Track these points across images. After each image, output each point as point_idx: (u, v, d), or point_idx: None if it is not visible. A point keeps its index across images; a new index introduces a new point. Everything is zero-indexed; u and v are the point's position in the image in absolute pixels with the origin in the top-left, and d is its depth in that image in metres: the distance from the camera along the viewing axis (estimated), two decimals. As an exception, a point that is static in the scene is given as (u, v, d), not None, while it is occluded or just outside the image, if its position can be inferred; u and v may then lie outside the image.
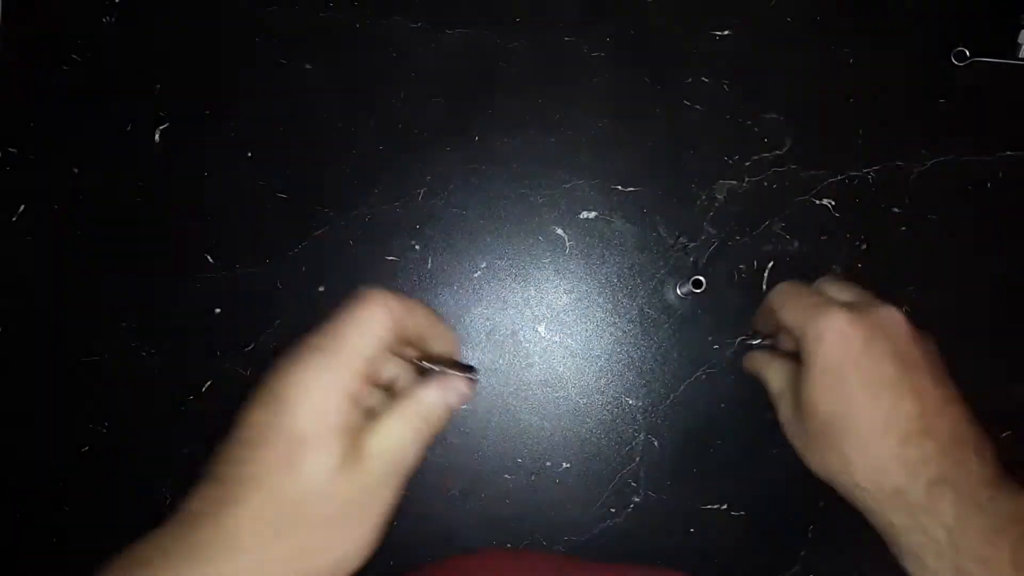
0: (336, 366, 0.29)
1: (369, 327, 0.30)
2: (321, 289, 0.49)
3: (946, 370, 0.38)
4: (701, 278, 0.47)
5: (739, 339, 0.49)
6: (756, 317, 0.45)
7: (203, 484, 0.28)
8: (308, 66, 0.50)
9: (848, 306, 0.38)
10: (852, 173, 0.49)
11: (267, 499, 0.27)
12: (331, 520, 0.29)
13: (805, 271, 0.49)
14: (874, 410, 0.36)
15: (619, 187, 0.50)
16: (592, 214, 0.50)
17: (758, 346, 0.45)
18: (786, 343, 0.43)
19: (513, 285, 0.49)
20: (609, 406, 0.49)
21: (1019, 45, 0.49)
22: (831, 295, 0.40)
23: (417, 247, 0.49)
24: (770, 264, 0.49)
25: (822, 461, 0.38)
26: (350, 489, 0.29)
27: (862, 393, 0.36)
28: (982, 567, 0.33)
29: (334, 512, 0.29)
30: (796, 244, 0.49)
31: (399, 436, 0.30)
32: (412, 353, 0.33)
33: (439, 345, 0.33)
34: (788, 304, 0.40)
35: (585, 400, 0.49)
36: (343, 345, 0.29)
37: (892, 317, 0.38)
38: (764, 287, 0.49)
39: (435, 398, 0.32)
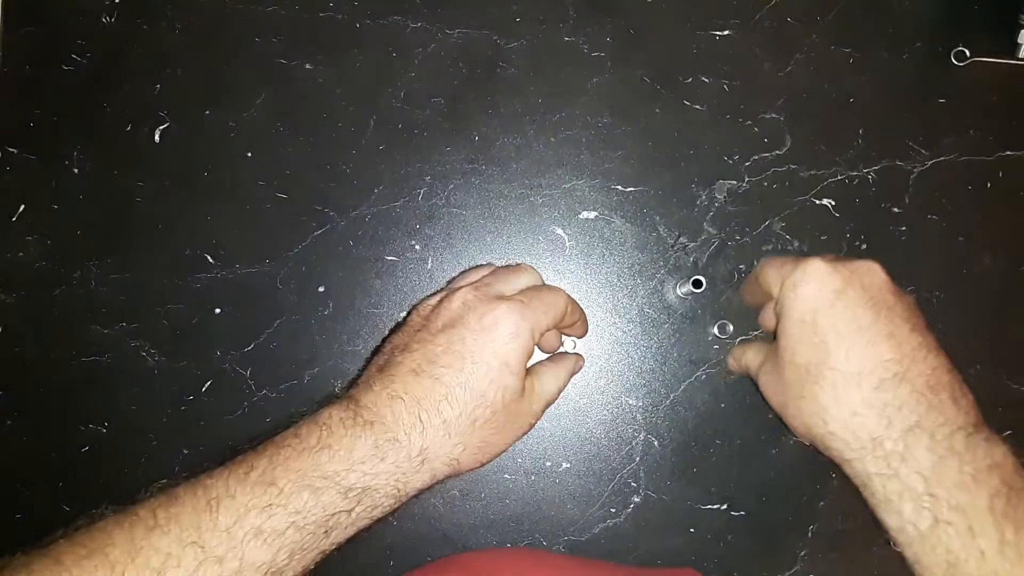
0: (533, 320, 0.39)
1: (558, 304, 0.41)
2: (321, 289, 0.49)
3: (925, 322, 0.37)
4: (701, 278, 0.47)
5: (738, 339, 0.49)
6: (744, 295, 0.46)
7: (420, 378, 0.37)
8: (308, 66, 0.50)
9: (827, 257, 0.38)
10: (852, 173, 0.49)
11: (473, 401, 0.37)
12: (505, 425, 0.39)
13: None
14: (849, 355, 0.36)
15: (619, 187, 0.50)
16: (592, 214, 0.50)
17: (729, 338, 0.48)
18: (768, 320, 0.43)
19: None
20: (609, 406, 0.49)
21: (1019, 45, 0.49)
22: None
23: (417, 247, 0.49)
24: (770, 264, 0.49)
25: (798, 412, 0.38)
26: (521, 408, 0.39)
27: (836, 339, 0.36)
28: (959, 515, 0.32)
29: (506, 420, 0.39)
30: (796, 244, 0.49)
31: (556, 384, 0.43)
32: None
33: (579, 328, 0.46)
34: (768, 267, 0.41)
35: (585, 400, 0.49)
36: (542, 309, 0.40)
37: (869, 267, 0.38)
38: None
39: (580, 364, 0.46)
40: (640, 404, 0.49)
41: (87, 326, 0.49)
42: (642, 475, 0.49)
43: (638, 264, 0.49)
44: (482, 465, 0.39)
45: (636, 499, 0.49)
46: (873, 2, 0.50)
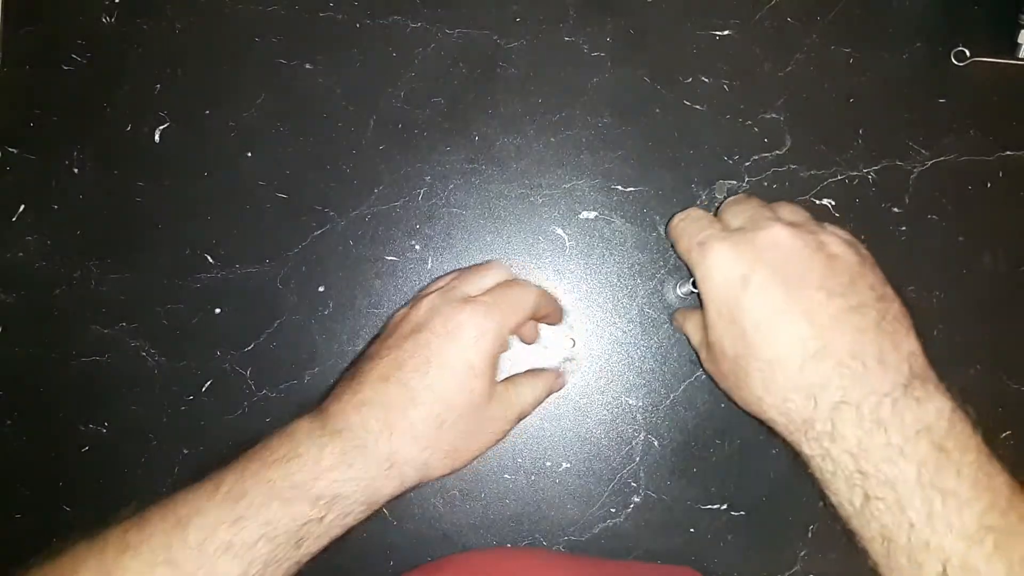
0: (499, 319, 0.39)
1: (526, 300, 0.41)
2: (321, 289, 0.49)
3: (857, 265, 0.36)
4: None
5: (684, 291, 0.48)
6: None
7: (388, 385, 0.37)
8: (308, 66, 0.50)
9: (729, 238, 0.37)
10: (852, 173, 0.49)
11: (439, 404, 0.37)
12: (474, 430, 0.39)
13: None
14: (769, 343, 0.35)
15: (619, 187, 0.50)
16: (592, 214, 0.50)
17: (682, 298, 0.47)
18: None
19: (513, 285, 0.49)
20: (609, 406, 0.49)
21: (1019, 45, 0.49)
22: (724, 222, 0.39)
23: (417, 247, 0.49)
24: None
25: (741, 401, 0.37)
26: (491, 413, 0.40)
27: (754, 329, 0.35)
28: (888, 489, 0.32)
29: (476, 424, 0.39)
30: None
31: (532, 395, 0.43)
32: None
33: (554, 317, 0.47)
34: (679, 241, 0.39)
35: (585, 400, 0.49)
36: (508, 307, 0.40)
37: (773, 238, 0.36)
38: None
39: (562, 381, 0.47)
40: (640, 404, 0.49)
41: (87, 326, 0.49)
42: (642, 475, 0.49)
43: (638, 264, 0.49)
44: (453, 471, 0.40)
45: (636, 499, 0.49)
46: (873, 2, 0.50)
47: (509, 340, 0.42)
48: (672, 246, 0.42)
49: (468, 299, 0.40)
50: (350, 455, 0.36)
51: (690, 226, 0.39)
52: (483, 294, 0.41)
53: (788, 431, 0.36)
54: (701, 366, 0.42)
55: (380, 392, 0.37)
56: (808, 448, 0.35)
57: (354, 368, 0.40)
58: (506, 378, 0.43)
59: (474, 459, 0.40)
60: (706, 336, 0.39)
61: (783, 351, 0.34)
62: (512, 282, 0.43)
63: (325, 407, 0.38)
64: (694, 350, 0.43)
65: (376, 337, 0.42)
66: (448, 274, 0.46)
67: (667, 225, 0.42)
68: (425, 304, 0.40)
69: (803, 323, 0.34)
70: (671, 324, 0.49)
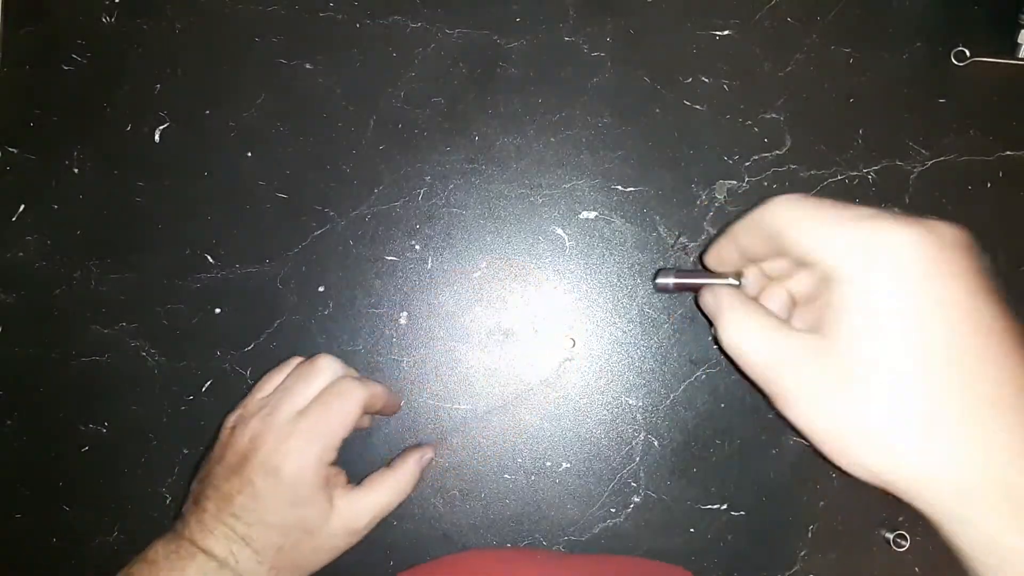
0: (322, 442, 0.41)
1: (350, 411, 0.41)
2: (321, 289, 0.49)
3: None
4: None
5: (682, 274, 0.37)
6: (720, 247, 0.34)
7: (223, 516, 0.40)
8: (308, 66, 0.50)
9: (903, 220, 0.27)
10: (852, 173, 0.49)
11: (273, 533, 0.40)
12: (317, 548, 0.42)
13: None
14: (939, 373, 0.25)
15: (619, 187, 0.50)
16: (592, 214, 0.50)
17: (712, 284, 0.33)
18: (753, 285, 0.33)
19: (513, 285, 0.49)
20: (609, 406, 0.49)
21: (1019, 45, 0.49)
22: (868, 210, 0.28)
23: (417, 247, 0.49)
24: (770, 264, 0.49)
25: (835, 432, 0.27)
26: (331, 530, 0.41)
27: (925, 352, 0.25)
28: None
29: (317, 543, 0.41)
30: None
31: (379, 504, 0.43)
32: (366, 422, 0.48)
33: (389, 410, 0.47)
34: (806, 220, 0.28)
35: (585, 400, 0.49)
36: (334, 420, 0.41)
37: (959, 238, 0.28)
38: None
39: (406, 478, 0.45)
40: (640, 404, 0.49)
41: (87, 326, 0.49)
42: (642, 475, 0.49)
43: (638, 264, 0.49)
44: None
45: (636, 499, 0.49)
46: (873, 2, 0.50)
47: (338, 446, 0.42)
48: (772, 226, 0.30)
49: (290, 422, 0.41)
50: (211, 574, 0.39)
51: (817, 203, 0.29)
52: (308, 405, 0.42)
53: (923, 500, 0.26)
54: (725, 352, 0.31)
55: (219, 522, 0.40)
56: (967, 539, 0.26)
57: (198, 487, 0.42)
58: (355, 487, 0.43)
59: (329, 563, 0.43)
60: (807, 343, 0.28)
61: (955, 393, 0.26)
62: (338, 387, 0.42)
63: (179, 530, 0.41)
64: (734, 351, 0.30)
65: (215, 442, 0.43)
66: (280, 369, 0.45)
67: (765, 206, 0.30)
68: (247, 432, 0.41)
69: (991, 365, 0.26)
70: (711, 336, 0.40)
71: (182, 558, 0.39)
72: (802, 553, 0.48)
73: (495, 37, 0.50)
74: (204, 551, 0.39)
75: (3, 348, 0.49)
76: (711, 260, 0.35)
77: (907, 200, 0.49)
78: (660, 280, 0.37)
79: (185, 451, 0.49)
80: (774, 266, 0.32)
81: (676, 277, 0.37)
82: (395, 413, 0.48)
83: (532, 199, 0.50)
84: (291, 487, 0.40)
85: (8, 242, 0.49)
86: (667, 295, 0.49)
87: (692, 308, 0.49)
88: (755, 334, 0.29)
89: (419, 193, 0.49)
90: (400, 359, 0.49)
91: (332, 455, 0.41)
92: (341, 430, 0.41)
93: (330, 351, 0.49)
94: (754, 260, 0.33)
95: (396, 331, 0.49)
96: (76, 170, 0.50)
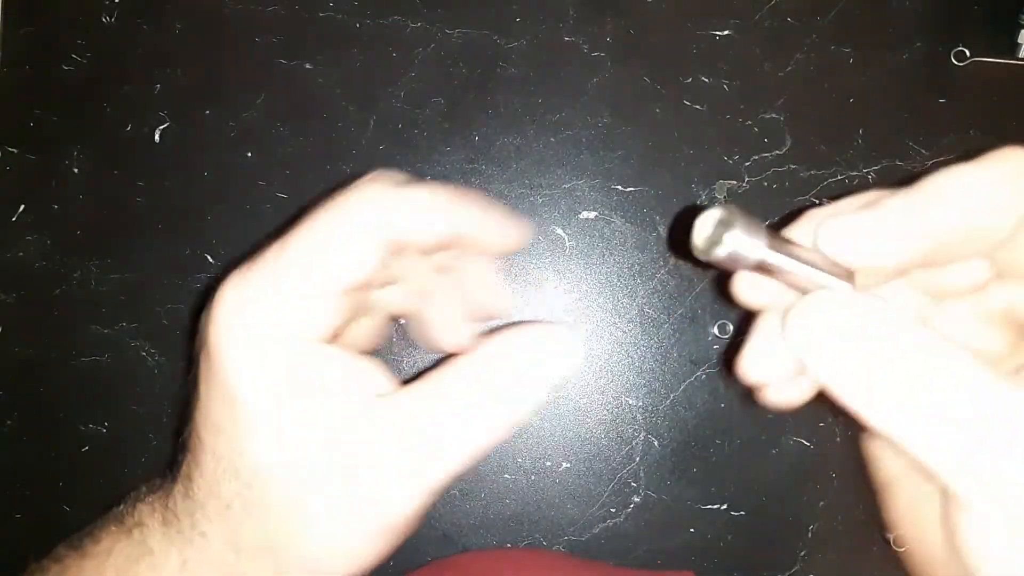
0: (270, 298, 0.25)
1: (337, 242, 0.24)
2: (321, 289, 0.49)
3: None
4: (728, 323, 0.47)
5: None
6: (789, 267, 0.22)
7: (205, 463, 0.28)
8: (308, 66, 0.50)
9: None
10: (852, 173, 0.49)
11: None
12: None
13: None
14: None
15: (619, 187, 0.50)
16: (592, 214, 0.50)
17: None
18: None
19: (513, 285, 0.49)
20: (609, 406, 0.49)
21: (1019, 45, 0.49)
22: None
23: (417, 247, 0.49)
24: (770, 264, 0.49)
25: None
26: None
27: None
28: None
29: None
30: (796, 244, 0.49)
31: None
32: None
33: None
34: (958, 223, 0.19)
35: (585, 400, 0.49)
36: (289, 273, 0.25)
37: None
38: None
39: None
40: (640, 404, 0.49)
41: (87, 326, 0.49)
42: (642, 475, 0.49)
43: (638, 264, 0.49)
44: None
45: (636, 499, 0.49)
46: (873, 2, 0.50)
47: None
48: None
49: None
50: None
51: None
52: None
53: None
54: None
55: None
56: None
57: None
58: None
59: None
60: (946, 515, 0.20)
61: None
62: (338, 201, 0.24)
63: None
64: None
65: None
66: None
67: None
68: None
69: None
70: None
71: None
72: (802, 553, 0.48)
73: (495, 37, 0.50)
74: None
75: (3, 348, 0.49)
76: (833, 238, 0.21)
77: (907, 200, 0.49)
78: (729, 247, 0.21)
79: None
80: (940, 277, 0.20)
81: (765, 250, 0.21)
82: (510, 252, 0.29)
83: (532, 199, 0.50)
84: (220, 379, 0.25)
85: (8, 242, 0.49)
86: (673, 287, 0.49)
87: (692, 308, 0.49)
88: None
89: (419, 193, 0.49)
90: (400, 359, 0.49)
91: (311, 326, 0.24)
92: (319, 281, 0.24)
93: (330, 351, 0.49)
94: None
95: (396, 331, 0.49)
96: (76, 170, 0.50)
